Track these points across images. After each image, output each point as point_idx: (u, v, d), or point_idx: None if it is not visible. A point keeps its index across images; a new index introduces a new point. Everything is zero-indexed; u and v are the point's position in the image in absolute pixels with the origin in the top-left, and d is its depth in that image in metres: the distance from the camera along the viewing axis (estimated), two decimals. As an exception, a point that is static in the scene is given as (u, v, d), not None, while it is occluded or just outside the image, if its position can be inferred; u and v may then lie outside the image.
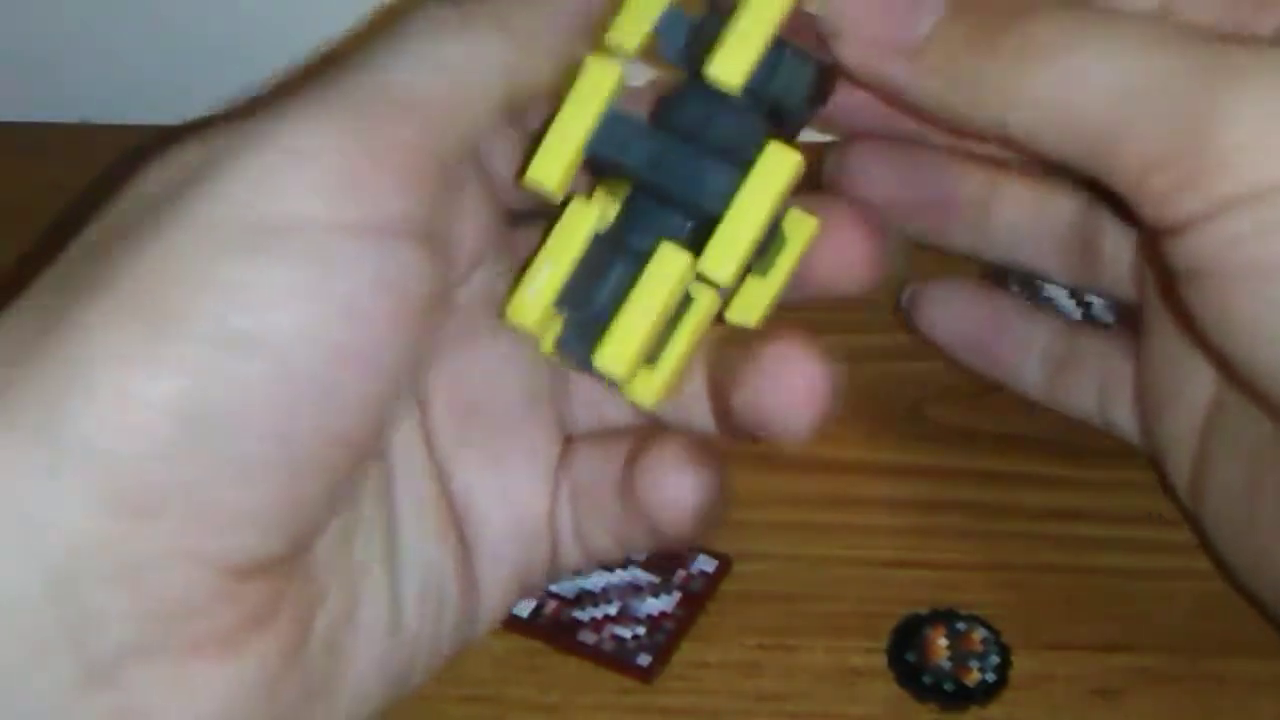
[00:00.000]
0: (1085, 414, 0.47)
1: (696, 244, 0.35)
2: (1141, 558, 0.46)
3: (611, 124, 0.35)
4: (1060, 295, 0.52)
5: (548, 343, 0.37)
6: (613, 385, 0.36)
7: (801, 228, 0.37)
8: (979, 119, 0.37)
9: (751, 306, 0.38)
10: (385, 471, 0.36)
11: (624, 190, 0.37)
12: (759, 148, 0.35)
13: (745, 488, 0.48)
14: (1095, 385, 0.46)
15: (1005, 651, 0.42)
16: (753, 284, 0.38)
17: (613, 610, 0.44)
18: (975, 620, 0.43)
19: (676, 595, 0.44)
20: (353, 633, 0.34)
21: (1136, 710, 0.42)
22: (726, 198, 0.35)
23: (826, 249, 0.38)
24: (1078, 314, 0.52)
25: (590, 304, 0.35)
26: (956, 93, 0.37)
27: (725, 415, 0.37)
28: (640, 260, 0.35)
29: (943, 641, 0.43)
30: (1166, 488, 0.45)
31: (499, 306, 0.36)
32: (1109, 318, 0.51)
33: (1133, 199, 0.36)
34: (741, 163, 0.35)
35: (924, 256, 0.58)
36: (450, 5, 0.35)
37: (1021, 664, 0.42)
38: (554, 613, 0.44)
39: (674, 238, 0.35)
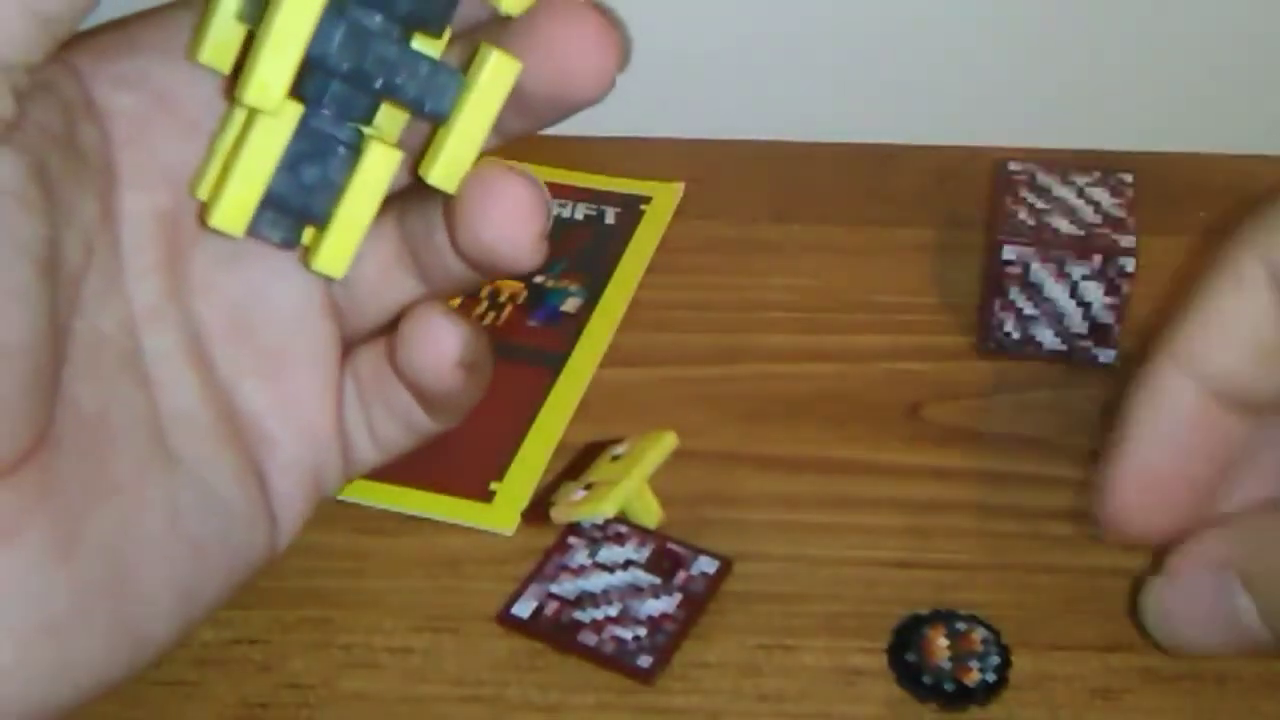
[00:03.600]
0: None
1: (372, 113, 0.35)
2: (1142, 558, 0.46)
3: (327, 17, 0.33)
4: (1061, 295, 0.52)
5: (241, 228, 0.35)
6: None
7: (499, 71, 0.34)
8: None
9: (450, 165, 0.36)
10: (147, 394, 0.36)
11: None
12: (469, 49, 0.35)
13: (745, 488, 0.48)
14: None
15: (1005, 651, 0.42)
16: (442, 138, 0.35)
17: (613, 611, 0.44)
18: (975, 620, 0.43)
19: (677, 596, 0.44)
20: (133, 541, 0.35)
21: (1136, 710, 0.42)
22: (454, 103, 0.35)
23: (546, 57, 0.35)
24: (1077, 315, 0.52)
25: (300, 203, 0.35)
26: None
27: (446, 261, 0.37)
28: (345, 154, 0.35)
29: (943, 641, 0.43)
30: None
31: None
32: (1109, 318, 0.52)
33: None
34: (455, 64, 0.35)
35: (925, 257, 0.58)
36: None
37: (1021, 664, 0.42)
38: (554, 614, 0.44)
39: (359, 119, 0.35)
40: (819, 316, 0.55)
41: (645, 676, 0.42)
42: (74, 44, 0.36)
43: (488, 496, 0.49)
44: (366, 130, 0.36)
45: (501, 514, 0.48)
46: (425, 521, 0.48)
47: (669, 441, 0.46)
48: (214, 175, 0.36)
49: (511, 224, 0.35)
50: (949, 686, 0.42)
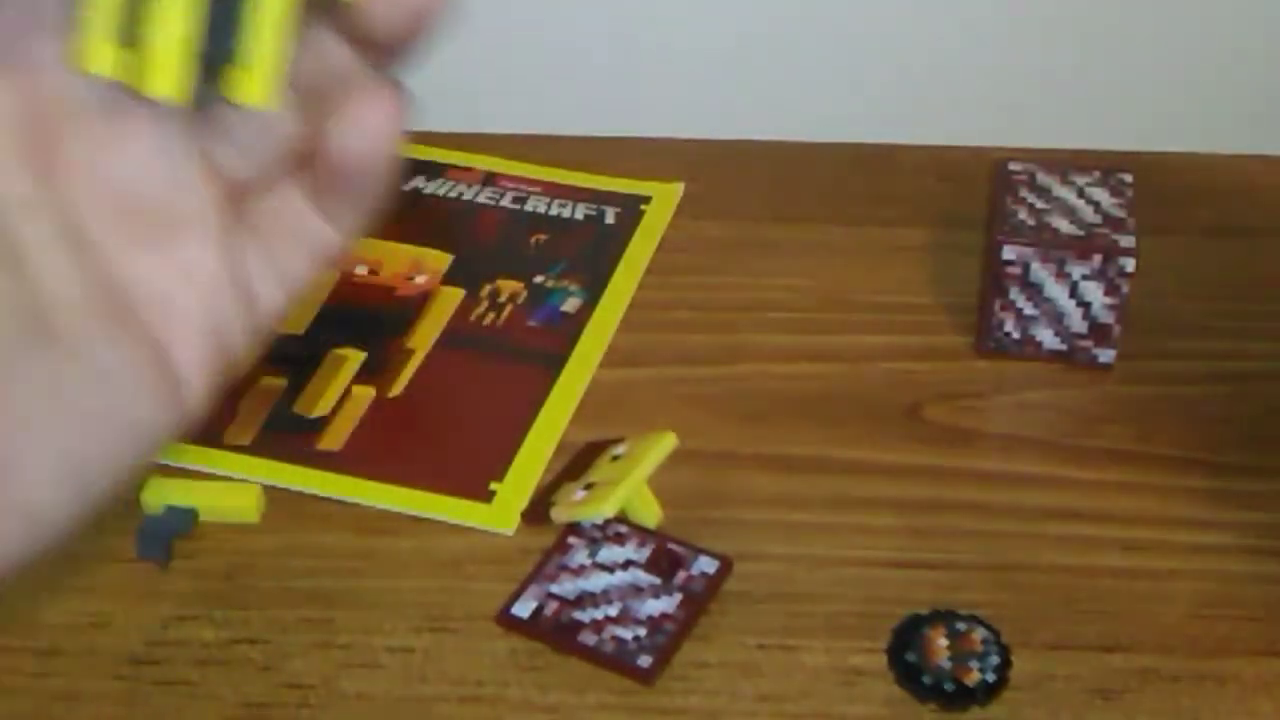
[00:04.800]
0: None
1: None
2: (1141, 558, 0.46)
3: None
4: (1061, 295, 0.52)
5: (181, 93, 0.36)
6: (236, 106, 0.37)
7: None
8: None
9: (253, 82, 0.36)
10: (22, 281, 0.37)
11: None
12: None
13: (745, 488, 0.48)
14: None
15: (1005, 651, 0.42)
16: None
17: (614, 611, 0.44)
18: (975, 620, 0.43)
19: (677, 596, 0.44)
20: (8, 414, 0.35)
21: (1136, 710, 0.42)
22: None
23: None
24: (1077, 315, 0.52)
25: (222, 44, 0.35)
26: None
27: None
28: None
29: (943, 641, 0.43)
30: None
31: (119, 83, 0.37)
32: (1109, 318, 0.52)
33: None
34: None
35: (925, 257, 0.58)
36: None
37: (1021, 664, 0.42)
38: (554, 614, 0.44)
39: None
40: (819, 316, 0.55)
41: (645, 676, 0.42)
42: None
43: (488, 496, 0.49)
44: None
45: (501, 514, 0.48)
46: (425, 521, 0.48)
47: (669, 441, 0.46)
48: (109, 45, 0.36)
49: (377, 129, 0.36)
50: (949, 686, 0.42)
